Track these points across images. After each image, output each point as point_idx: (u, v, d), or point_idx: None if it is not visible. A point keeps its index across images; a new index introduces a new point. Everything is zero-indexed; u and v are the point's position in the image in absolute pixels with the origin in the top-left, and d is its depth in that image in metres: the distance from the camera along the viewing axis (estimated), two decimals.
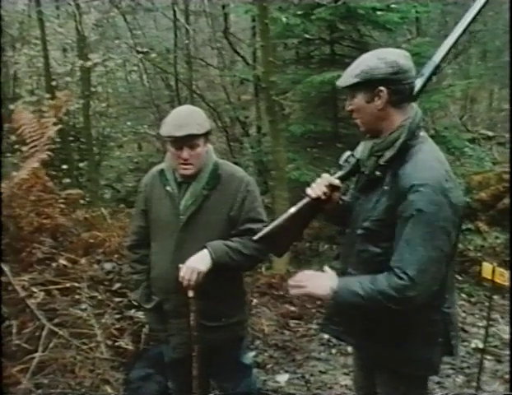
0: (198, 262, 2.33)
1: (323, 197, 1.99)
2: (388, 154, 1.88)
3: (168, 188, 2.46)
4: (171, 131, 2.31)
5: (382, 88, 1.85)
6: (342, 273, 2.11)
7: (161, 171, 2.51)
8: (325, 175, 2.04)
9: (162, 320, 2.54)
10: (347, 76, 1.92)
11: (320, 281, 1.93)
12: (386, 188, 1.90)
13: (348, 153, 2.07)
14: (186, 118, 2.36)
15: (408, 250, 1.79)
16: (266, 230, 2.03)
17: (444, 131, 7.19)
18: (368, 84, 1.86)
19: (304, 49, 7.13)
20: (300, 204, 2.01)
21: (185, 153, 2.32)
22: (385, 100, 1.87)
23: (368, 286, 1.83)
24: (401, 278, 1.78)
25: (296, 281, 1.95)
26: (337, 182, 2.02)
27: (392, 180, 1.88)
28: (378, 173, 1.92)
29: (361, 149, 2.05)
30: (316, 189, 2.00)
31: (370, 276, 1.86)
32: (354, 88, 1.91)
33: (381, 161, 1.91)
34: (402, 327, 1.95)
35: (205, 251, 2.35)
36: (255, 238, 2.06)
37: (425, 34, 8.78)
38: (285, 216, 2.00)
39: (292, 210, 1.99)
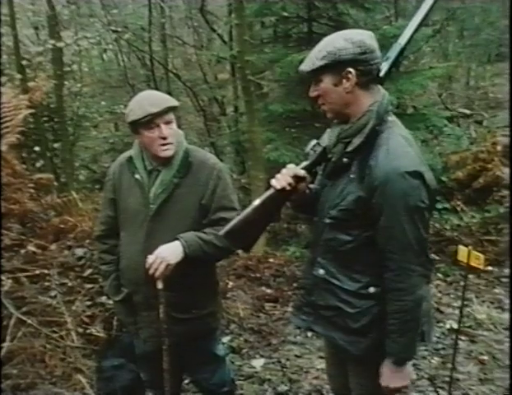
0: (169, 254, 2.25)
1: (288, 188, 1.94)
2: (357, 141, 1.84)
3: (137, 176, 2.37)
4: (148, 109, 2.21)
5: (350, 69, 1.80)
6: (311, 262, 2.06)
7: (130, 159, 2.42)
8: (290, 166, 1.99)
9: (132, 312, 2.48)
10: (312, 60, 1.85)
11: None
12: (352, 176, 1.85)
13: (314, 142, 2.03)
14: (156, 96, 2.33)
15: (408, 242, 1.77)
16: (231, 224, 1.99)
17: (423, 109, 7.16)
18: (336, 66, 1.80)
19: (281, 28, 7.02)
20: (264, 196, 1.97)
21: (164, 130, 2.25)
22: (354, 82, 1.82)
23: None
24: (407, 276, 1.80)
25: None
26: (302, 172, 1.97)
27: (360, 169, 1.83)
28: (345, 160, 1.88)
29: (328, 136, 2.01)
30: (281, 180, 1.95)
31: None
32: (320, 72, 1.84)
33: (349, 148, 1.86)
34: (371, 315, 1.92)
35: (177, 243, 2.28)
36: (221, 233, 2.02)
37: (404, 12, 8.68)
38: (249, 208, 1.97)
39: (257, 202, 1.96)
